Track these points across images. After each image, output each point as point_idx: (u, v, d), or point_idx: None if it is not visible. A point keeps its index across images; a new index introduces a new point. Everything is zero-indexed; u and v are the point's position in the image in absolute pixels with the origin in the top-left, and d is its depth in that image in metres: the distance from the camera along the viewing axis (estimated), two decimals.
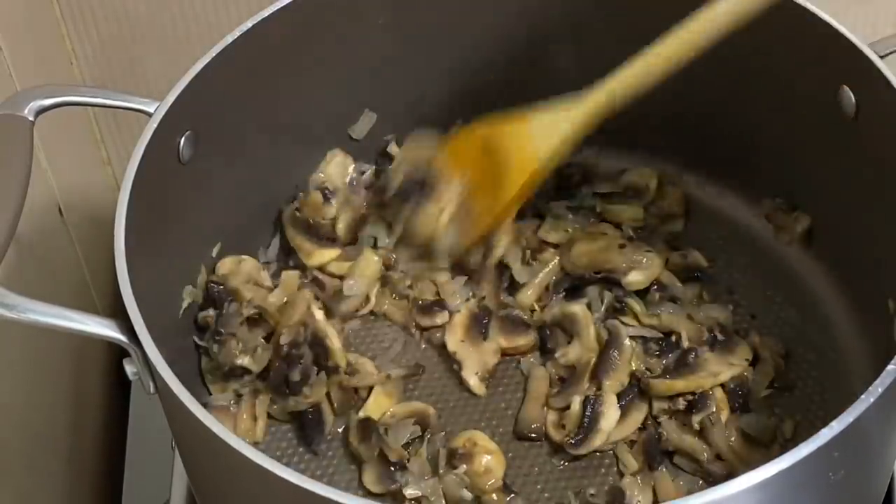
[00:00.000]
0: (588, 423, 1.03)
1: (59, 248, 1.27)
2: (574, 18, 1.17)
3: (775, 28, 1.07)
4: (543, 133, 1.07)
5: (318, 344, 1.07)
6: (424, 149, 1.15)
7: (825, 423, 0.80)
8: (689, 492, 0.98)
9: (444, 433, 1.06)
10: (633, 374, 1.06)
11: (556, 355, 1.10)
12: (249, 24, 1.06)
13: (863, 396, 0.81)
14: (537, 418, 1.07)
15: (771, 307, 1.15)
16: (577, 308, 1.11)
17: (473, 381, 1.10)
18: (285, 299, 1.11)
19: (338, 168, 1.21)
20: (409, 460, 1.02)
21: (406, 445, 1.04)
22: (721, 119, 1.18)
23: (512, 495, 1.02)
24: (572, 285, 1.14)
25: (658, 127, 1.21)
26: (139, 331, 0.88)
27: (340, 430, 1.08)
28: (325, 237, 1.18)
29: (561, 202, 1.20)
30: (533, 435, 1.06)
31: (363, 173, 1.22)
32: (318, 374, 1.06)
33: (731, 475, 0.88)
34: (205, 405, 0.95)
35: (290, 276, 1.14)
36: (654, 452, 1.03)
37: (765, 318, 1.14)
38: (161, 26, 1.34)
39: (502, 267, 1.15)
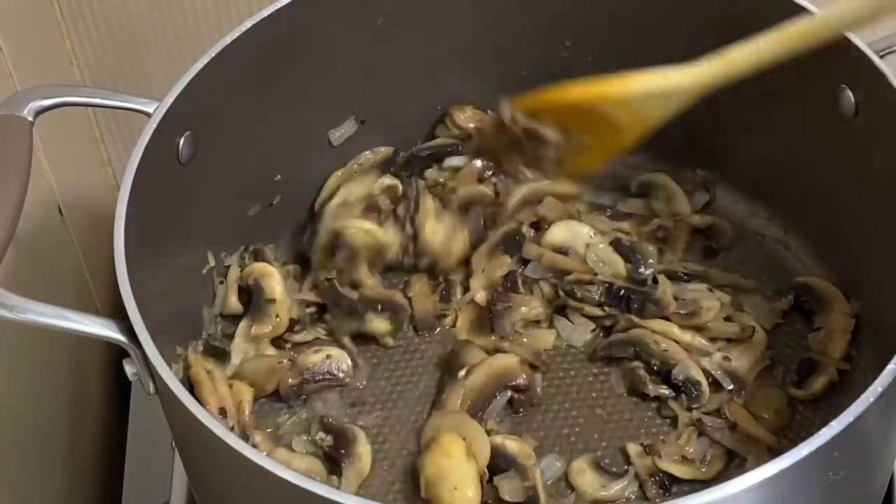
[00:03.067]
0: None
1: (59, 248, 1.27)
2: (574, 24, 1.17)
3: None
4: (653, 100, 1.05)
5: None
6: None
7: (825, 423, 0.80)
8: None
9: None
10: None
11: None
12: (249, 24, 1.06)
13: (863, 396, 0.81)
14: None
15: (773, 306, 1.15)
16: None
17: None
18: None
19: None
20: None
21: None
22: (718, 119, 1.18)
23: None
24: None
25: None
26: (139, 331, 0.88)
27: None
28: None
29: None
30: None
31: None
32: None
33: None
34: None
35: None
36: None
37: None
38: (161, 26, 1.34)
39: None
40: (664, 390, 1.07)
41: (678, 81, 1.04)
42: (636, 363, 1.08)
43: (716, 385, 1.07)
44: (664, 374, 1.07)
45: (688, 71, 1.03)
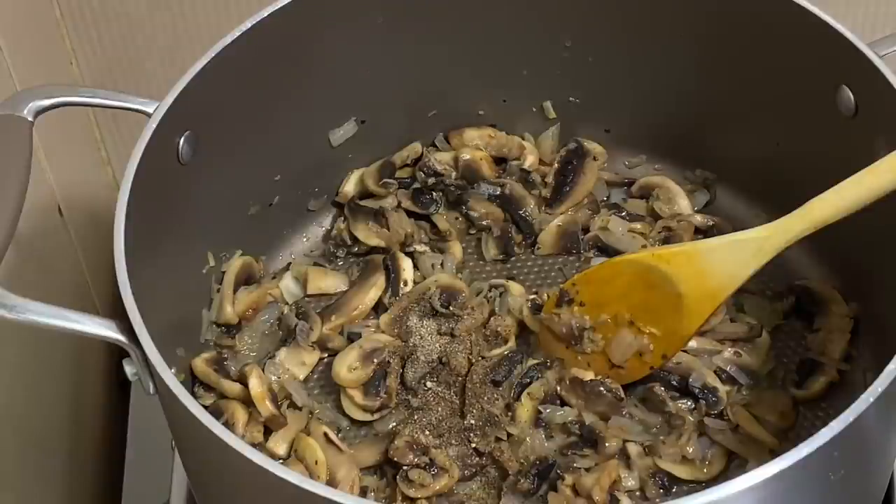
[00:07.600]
0: None
1: (59, 248, 1.27)
2: (574, 24, 1.17)
3: (775, 28, 1.07)
4: (725, 269, 1.00)
5: None
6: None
7: (825, 423, 0.80)
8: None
9: None
10: None
11: None
12: (249, 24, 1.06)
13: (863, 396, 0.81)
14: None
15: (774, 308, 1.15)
16: None
17: None
18: None
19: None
20: None
21: None
22: (718, 119, 1.18)
23: None
24: None
25: (653, 127, 1.21)
26: (139, 331, 0.88)
27: None
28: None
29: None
30: None
31: None
32: None
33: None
34: None
35: None
36: None
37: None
38: (161, 26, 1.34)
39: None
40: (682, 404, 1.06)
41: (757, 234, 0.99)
42: (652, 383, 1.07)
43: (730, 382, 1.07)
44: (681, 385, 1.07)
45: (768, 227, 0.99)
